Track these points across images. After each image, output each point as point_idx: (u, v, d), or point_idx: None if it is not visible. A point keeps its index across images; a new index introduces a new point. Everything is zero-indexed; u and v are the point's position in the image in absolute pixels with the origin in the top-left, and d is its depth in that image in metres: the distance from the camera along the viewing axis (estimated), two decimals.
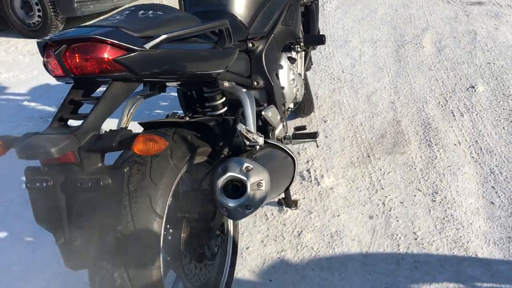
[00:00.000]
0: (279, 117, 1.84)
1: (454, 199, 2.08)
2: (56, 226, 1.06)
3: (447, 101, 2.91)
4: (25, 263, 2.02)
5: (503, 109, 2.75)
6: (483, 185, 2.15)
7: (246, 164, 1.31)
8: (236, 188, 1.30)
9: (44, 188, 1.04)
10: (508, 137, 2.47)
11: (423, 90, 3.08)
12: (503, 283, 1.66)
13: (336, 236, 1.96)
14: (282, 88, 1.93)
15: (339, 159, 2.47)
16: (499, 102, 2.83)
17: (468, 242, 1.85)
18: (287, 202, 2.13)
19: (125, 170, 1.06)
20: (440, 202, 2.07)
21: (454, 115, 2.74)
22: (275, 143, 1.58)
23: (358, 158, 2.46)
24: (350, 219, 2.05)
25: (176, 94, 3.42)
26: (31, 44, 5.09)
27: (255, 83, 1.80)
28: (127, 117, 1.60)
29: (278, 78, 1.90)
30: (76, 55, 1.07)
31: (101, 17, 5.83)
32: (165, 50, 1.17)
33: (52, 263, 2.00)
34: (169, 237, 1.38)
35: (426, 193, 2.14)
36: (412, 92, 3.08)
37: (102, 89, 1.21)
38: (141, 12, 1.26)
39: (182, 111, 1.92)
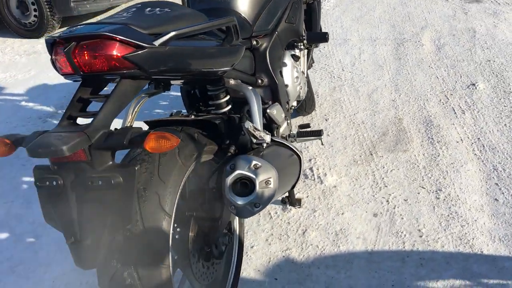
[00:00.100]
0: (283, 115, 1.83)
1: (458, 196, 2.08)
2: (66, 225, 1.05)
3: (448, 98, 2.91)
4: (28, 263, 2.00)
5: (504, 106, 2.75)
6: (486, 182, 2.15)
7: (254, 162, 1.31)
8: (245, 186, 1.29)
9: (54, 187, 1.03)
10: (510, 134, 2.48)
11: (424, 88, 3.08)
12: (509, 279, 1.66)
13: (340, 234, 1.96)
14: (286, 86, 1.93)
15: (341, 157, 2.47)
16: (500, 99, 2.83)
17: (473, 239, 1.85)
18: (291, 200, 2.12)
19: (136, 168, 1.05)
20: (444, 199, 2.07)
21: (455, 113, 2.75)
22: (281, 141, 1.57)
23: (360, 156, 2.46)
24: (354, 217, 2.04)
25: (176, 94, 3.41)
26: (28, 44, 5.06)
27: (260, 81, 1.79)
28: (131, 115, 1.59)
29: (282, 76, 1.89)
30: (85, 52, 1.05)
31: (104, 15, 5.82)
32: (174, 47, 1.16)
33: (55, 263, 1.98)
34: (177, 236, 1.37)
35: (430, 191, 2.14)
36: (413, 89, 3.08)
37: (106, 89, 1.20)
38: (148, 9, 1.25)
39: (184, 110, 1.91)
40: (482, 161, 2.30)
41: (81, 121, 1.17)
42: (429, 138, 2.53)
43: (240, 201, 1.28)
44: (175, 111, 1.83)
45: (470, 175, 2.21)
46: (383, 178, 2.26)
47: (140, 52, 1.07)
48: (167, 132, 1.01)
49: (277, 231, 2.02)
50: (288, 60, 1.95)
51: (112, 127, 1.16)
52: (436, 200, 2.07)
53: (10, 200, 2.46)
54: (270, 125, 1.78)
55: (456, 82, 3.11)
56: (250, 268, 1.84)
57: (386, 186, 2.20)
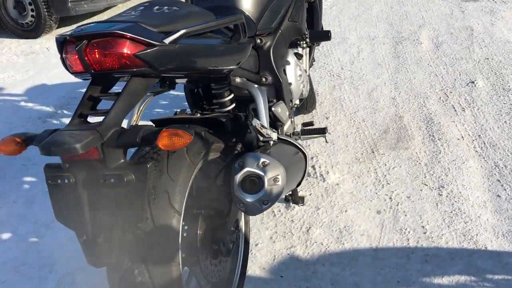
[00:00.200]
0: (287, 113, 1.84)
1: (460, 192, 2.09)
2: (78, 223, 1.05)
3: (447, 96, 2.93)
4: (31, 263, 2.00)
5: (504, 103, 2.77)
6: (488, 179, 2.16)
7: (262, 160, 1.31)
8: (253, 184, 1.29)
9: (65, 185, 1.03)
10: (510, 131, 2.50)
11: (423, 86, 3.10)
12: None
13: (345, 232, 1.97)
14: (290, 84, 1.93)
15: (343, 155, 2.48)
16: (499, 96, 2.85)
17: (477, 235, 1.86)
18: (294, 198, 2.13)
19: (148, 166, 1.05)
20: (447, 196, 2.08)
21: (455, 110, 2.76)
22: (287, 139, 1.58)
23: (362, 154, 2.47)
24: (358, 214, 2.05)
25: (175, 93, 3.41)
26: (25, 45, 5.05)
27: (264, 79, 1.80)
28: (137, 114, 1.59)
29: (285, 74, 1.90)
30: (96, 50, 1.05)
31: (102, 15, 5.81)
32: (184, 45, 1.16)
33: (59, 263, 1.98)
34: (184, 234, 1.37)
35: (433, 187, 2.15)
36: (413, 87, 3.09)
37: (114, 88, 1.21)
38: (156, 7, 1.25)
39: (187, 110, 1.91)
40: (484, 158, 2.31)
41: (90, 119, 1.17)
42: (430, 136, 2.54)
43: (249, 199, 1.28)
44: (179, 110, 1.83)
45: (472, 172, 2.22)
46: (385, 176, 2.27)
47: (150, 50, 1.08)
48: (180, 130, 1.01)
49: (281, 229, 2.03)
50: (291, 58, 1.95)
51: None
52: (439, 197, 2.09)
53: (12, 200, 2.45)
54: (274, 123, 1.78)
55: (455, 80, 3.12)
56: (255, 266, 1.85)
57: (388, 184, 2.21)
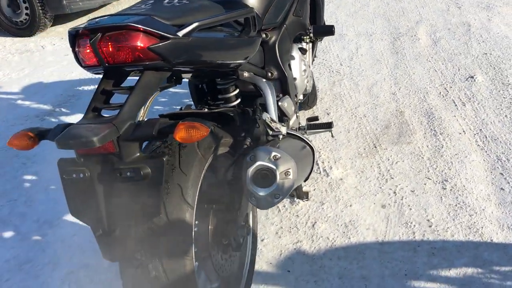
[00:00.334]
0: (293, 108, 1.84)
1: (464, 186, 2.10)
2: (94, 217, 1.04)
3: (447, 91, 2.94)
4: (35, 261, 1.98)
5: (504, 98, 2.79)
6: (491, 172, 2.17)
7: (274, 153, 1.31)
8: (265, 177, 1.29)
9: (80, 180, 1.02)
10: (511, 125, 2.51)
11: (423, 81, 3.11)
12: None
13: (350, 226, 1.97)
14: (295, 79, 1.93)
15: (346, 150, 2.48)
16: (499, 91, 2.87)
17: (482, 227, 1.87)
18: (298, 193, 2.13)
19: (164, 159, 1.04)
20: (451, 189, 2.09)
21: (456, 105, 2.77)
22: (295, 133, 1.57)
23: (364, 149, 2.47)
24: (362, 209, 2.06)
25: (174, 90, 3.40)
26: (20, 43, 5.00)
27: (269, 74, 1.79)
28: (144, 109, 1.58)
29: (290, 69, 1.89)
30: (109, 43, 1.05)
31: (97, 13, 5.77)
32: (196, 38, 1.15)
33: (63, 261, 1.97)
34: (196, 229, 1.37)
35: (436, 181, 2.16)
36: (412, 83, 3.10)
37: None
38: (167, 1, 1.24)
39: (187, 105, 1.90)
40: (486, 151, 2.32)
41: (103, 113, 1.17)
42: (432, 130, 2.55)
43: (261, 192, 1.28)
44: (184, 105, 1.82)
45: (474, 165, 2.23)
46: (388, 170, 2.28)
47: (164, 43, 1.07)
48: (197, 122, 1.01)
49: (286, 224, 2.03)
50: (296, 53, 1.95)
51: None
52: (443, 190, 2.09)
53: (13, 199, 2.43)
54: (281, 117, 1.78)
55: (455, 75, 3.14)
56: (262, 261, 1.85)
57: (392, 178, 2.22)
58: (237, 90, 1.66)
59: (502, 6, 4.29)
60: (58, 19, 5.55)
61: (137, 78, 1.27)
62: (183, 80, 1.62)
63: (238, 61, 1.35)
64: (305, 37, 2.07)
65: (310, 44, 2.23)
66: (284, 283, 1.74)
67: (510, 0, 4.46)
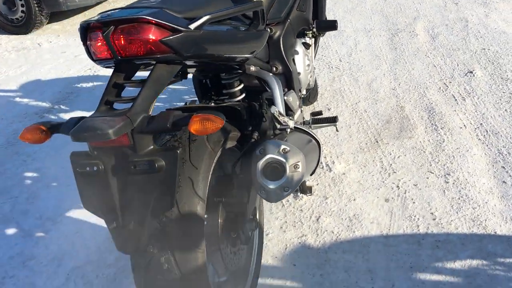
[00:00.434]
0: (298, 102, 1.84)
1: (466, 179, 2.12)
2: (108, 211, 1.04)
3: (447, 86, 2.96)
4: (39, 257, 1.98)
5: (503, 92, 2.81)
6: (493, 166, 2.19)
7: (283, 146, 1.31)
8: (275, 170, 1.30)
9: (94, 173, 1.02)
10: (511, 119, 2.53)
11: (423, 76, 3.12)
12: None
13: (354, 220, 1.98)
14: (299, 73, 1.94)
15: (347, 145, 2.49)
16: (498, 86, 2.89)
17: (485, 220, 1.88)
18: (302, 188, 2.13)
19: (178, 152, 1.04)
20: (454, 183, 2.11)
21: (456, 100, 2.79)
22: (302, 127, 1.58)
23: (366, 143, 2.48)
24: (366, 203, 2.07)
25: (174, 87, 3.39)
26: (16, 40, 4.97)
27: (274, 69, 1.80)
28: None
29: (294, 63, 1.90)
30: (121, 36, 1.04)
31: (93, 9, 5.75)
32: (207, 32, 1.15)
33: (67, 257, 1.97)
34: (205, 222, 1.37)
35: (439, 175, 2.17)
36: (412, 78, 3.12)
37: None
38: None
39: (192, 100, 1.90)
40: (487, 145, 2.34)
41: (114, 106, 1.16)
42: (433, 125, 2.57)
43: (271, 185, 1.28)
44: (185, 102, 1.82)
45: (476, 159, 2.25)
46: (391, 165, 2.29)
47: (176, 36, 1.07)
48: (211, 114, 1.01)
49: (291, 218, 2.03)
50: (299, 48, 1.95)
51: None
52: (446, 184, 2.11)
53: (14, 196, 2.42)
54: (286, 112, 1.79)
55: (454, 70, 3.15)
56: (268, 255, 1.85)
57: (395, 172, 2.23)
58: (242, 85, 1.66)
59: (499, 2, 4.32)
60: (54, 17, 5.52)
61: (144, 73, 1.28)
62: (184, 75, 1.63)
63: (247, 55, 1.36)
64: (308, 32, 2.07)
65: (313, 39, 2.23)
66: (290, 276, 1.75)
67: None
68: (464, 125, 2.53)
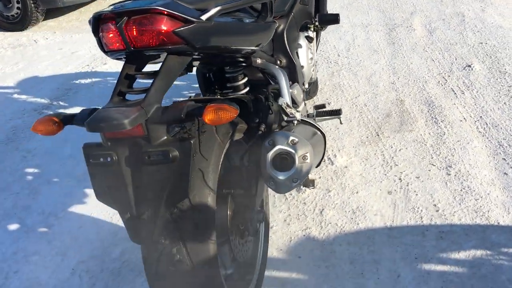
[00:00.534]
0: (302, 96, 1.85)
1: (468, 171, 2.13)
2: (121, 201, 1.04)
3: (446, 80, 2.98)
4: (43, 253, 1.98)
5: (502, 85, 2.83)
6: (494, 158, 2.21)
7: (291, 138, 1.32)
8: (284, 161, 1.30)
9: (108, 163, 1.02)
10: (511, 112, 2.55)
11: (421, 70, 3.14)
12: None
13: (358, 212, 1.99)
14: (302, 67, 1.94)
15: (349, 138, 2.50)
16: (496, 79, 2.91)
17: (488, 211, 1.90)
18: (305, 181, 2.14)
19: (192, 142, 1.05)
20: (456, 175, 2.12)
21: (455, 93, 2.81)
22: (308, 120, 1.59)
23: (367, 137, 2.49)
24: (369, 195, 2.08)
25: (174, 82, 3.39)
26: (11, 37, 4.95)
27: (278, 62, 1.80)
28: None
29: (298, 57, 1.91)
30: (134, 27, 1.05)
31: (88, 6, 5.72)
32: (218, 23, 1.16)
33: (71, 252, 1.96)
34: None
35: (440, 167, 2.19)
36: (411, 72, 3.13)
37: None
38: None
39: (197, 94, 1.90)
40: (487, 138, 2.36)
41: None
42: (433, 118, 2.58)
43: (281, 176, 1.29)
44: (194, 94, 1.82)
45: (477, 151, 2.27)
46: (392, 157, 2.30)
47: (188, 26, 1.07)
48: (225, 104, 1.01)
49: (294, 211, 2.04)
50: (302, 41, 1.96)
51: None
52: (448, 176, 2.13)
53: (16, 192, 2.41)
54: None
55: (452, 64, 3.17)
56: (272, 248, 1.86)
57: (396, 165, 2.24)
58: (246, 79, 1.66)
59: None
60: (50, 13, 5.49)
61: (154, 65, 1.28)
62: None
63: (255, 47, 1.36)
64: (310, 26, 2.08)
65: (314, 33, 2.24)
66: (295, 268, 1.76)
67: None
68: (464, 118, 2.54)
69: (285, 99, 1.51)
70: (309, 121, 1.60)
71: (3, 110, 3.33)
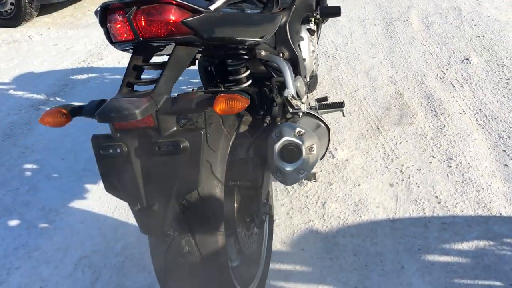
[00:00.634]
0: (304, 88, 1.85)
1: (469, 163, 2.14)
2: (131, 193, 1.03)
3: (444, 73, 2.99)
4: (45, 248, 1.97)
5: (500, 78, 2.84)
6: (494, 149, 2.22)
7: (298, 129, 1.32)
8: (291, 153, 1.30)
9: (117, 155, 1.02)
10: (509, 104, 2.56)
11: (419, 64, 3.15)
12: None
13: (360, 205, 1.99)
14: (304, 59, 1.94)
15: (349, 132, 2.50)
16: (494, 72, 2.92)
17: (490, 202, 1.91)
18: None
19: (202, 133, 1.04)
20: (456, 167, 2.13)
21: (454, 86, 2.82)
22: (312, 112, 1.59)
23: (367, 130, 2.50)
24: (371, 188, 2.08)
25: None
26: (5, 34, 4.91)
27: (281, 54, 1.80)
28: None
29: (300, 49, 1.90)
30: (142, 17, 1.04)
31: (83, 2, 5.68)
32: (226, 13, 1.15)
33: (73, 247, 1.95)
34: None
35: (441, 160, 2.19)
36: (409, 66, 3.14)
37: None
38: None
39: (199, 87, 1.89)
40: (487, 130, 2.37)
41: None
42: (432, 111, 2.59)
43: (288, 167, 1.29)
44: (197, 87, 1.81)
45: (477, 143, 2.28)
46: (393, 150, 2.31)
47: (197, 16, 1.07)
48: (236, 94, 1.01)
49: (297, 204, 2.04)
50: (304, 34, 1.96)
51: None
52: (449, 168, 2.13)
53: (15, 188, 2.40)
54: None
55: (450, 57, 3.18)
56: (276, 241, 1.86)
57: (397, 158, 2.25)
58: (248, 72, 1.65)
59: None
60: (44, 9, 5.45)
61: (159, 57, 1.27)
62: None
63: (261, 38, 1.36)
64: (311, 18, 2.07)
65: (315, 26, 2.23)
66: (299, 261, 1.76)
67: None
68: (464, 111, 2.55)
69: (291, 91, 1.50)
70: (313, 113, 1.60)
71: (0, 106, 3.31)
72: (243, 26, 1.24)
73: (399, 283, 1.62)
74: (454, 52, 3.24)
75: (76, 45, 4.39)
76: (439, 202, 1.94)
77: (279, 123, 1.51)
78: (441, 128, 2.43)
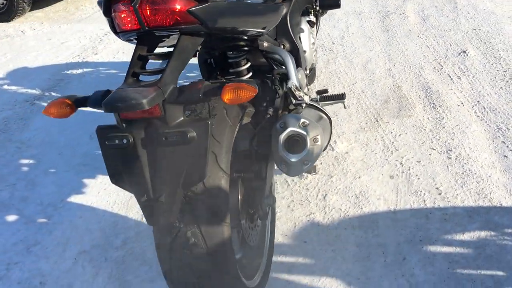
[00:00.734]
0: (305, 80, 1.84)
1: (468, 155, 2.15)
2: (137, 184, 1.02)
3: (442, 66, 2.99)
4: (44, 243, 1.95)
5: (497, 70, 2.85)
6: (493, 141, 2.23)
7: (302, 120, 1.32)
8: (296, 143, 1.30)
9: (123, 145, 1.00)
10: (507, 96, 2.57)
11: (417, 57, 3.15)
12: None
13: (361, 197, 1.99)
14: (304, 51, 1.93)
15: (348, 125, 2.50)
16: (492, 64, 2.93)
17: (490, 193, 1.92)
18: None
19: (209, 122, 1.03)
20: (456, 158, 2.14)
21: (451, 78, 2.82)
22: (314, 104, 1.58)
23: (366, 123, 2.50)
24: (371, 180, 2.08)
25: None
26: None
27: (282, 46, 1.79)
28: None
29: (300, 41, 1.89)
30: (147, 7, 1.03)
31: None
32: (232, 3, 1.14)
33: (72, 241, 1.94)
34: None
35: (441, 151, 2.20)
36: (406, 59, 3.14)
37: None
38: None
39: (200, 80, 1.88)
40: (486, 122, 2.38)
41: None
42: (431, 103, 2.60)
43: (293, 158, 1.29)
44: (197, 80, 1.80)
45: (476, 135, 2.28)
46: (393, 143, 2.31)
47: (203, 5, 1.05)
48: (244, 83, 1.00)
49: (297, 197, 2.04)
50: (304, 26, 1.95)
51: None
52: (448, 160, 2.14)
53: (12, 183, 2.37)
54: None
55: (447, 50, 3.19)
56: (277, 233, 1.85)
57: (397, 150, 2.25)
58: (249, 64, 1.64)
59: None
60: (36, 4, 5.39)
61: (162, 48, 1.25)
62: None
63: (263, 29, 1.34)
64: (311, 10, 2.06)
65: (314, 18, 2.23)
66: (302, 253, 1.75)
67: None
68: (462, 103, 2.56)
69: (294, 82, 1.49)
70: (315, 105, 1.59)
71: None
72: (248, 16, 1.23)
73: (401, 274, 1.62)
74: (451, 45, 3.25)
75: (70, 39, 4.35)
76: (440, 194, 1.95)
77: (281, 115, 1.50)
78: (439, 120, 2.43)
